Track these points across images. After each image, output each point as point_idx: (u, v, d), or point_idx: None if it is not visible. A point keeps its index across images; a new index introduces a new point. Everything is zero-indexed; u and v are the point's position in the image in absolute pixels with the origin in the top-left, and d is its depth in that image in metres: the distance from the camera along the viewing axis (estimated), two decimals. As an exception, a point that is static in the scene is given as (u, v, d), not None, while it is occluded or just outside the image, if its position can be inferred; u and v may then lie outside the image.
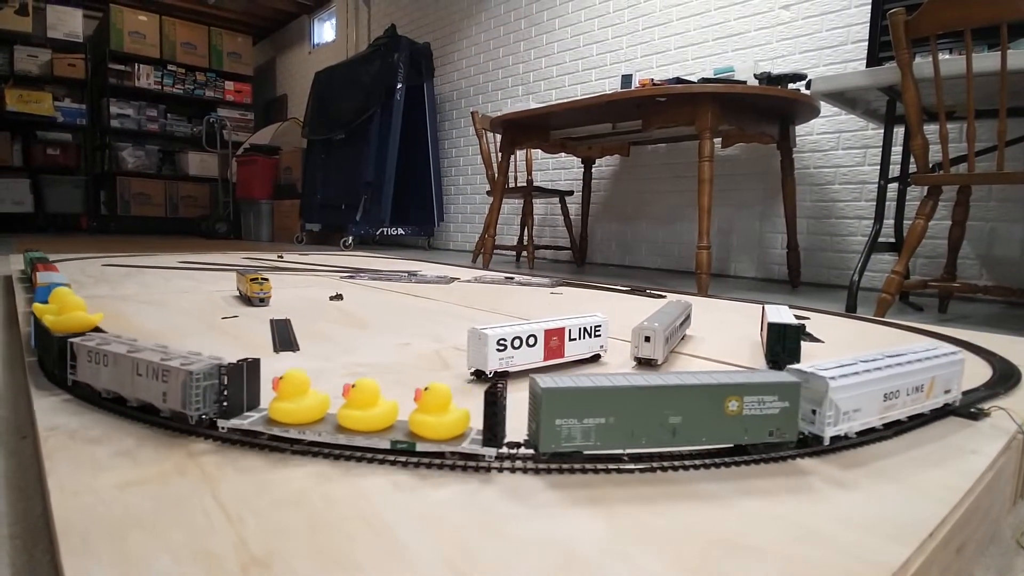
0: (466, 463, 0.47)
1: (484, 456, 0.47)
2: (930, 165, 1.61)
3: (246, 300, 1.31)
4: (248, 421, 0.51)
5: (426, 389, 0.48)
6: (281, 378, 0.50)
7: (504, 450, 0.48)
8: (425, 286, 1.75)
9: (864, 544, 0.37)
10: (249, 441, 0.50)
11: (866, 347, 1.02)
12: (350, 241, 4.42)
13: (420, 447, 0.47)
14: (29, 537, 0.43)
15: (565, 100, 2.78)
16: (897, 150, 2.23)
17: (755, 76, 2.27)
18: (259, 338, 0.95)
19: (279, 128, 6.13)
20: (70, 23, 5.84)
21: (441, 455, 0.47)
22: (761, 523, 0.39)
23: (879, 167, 1.91)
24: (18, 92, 5.58)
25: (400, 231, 4.64)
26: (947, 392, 0.61)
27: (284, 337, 0.95)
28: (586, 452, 0.47)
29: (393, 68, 4.43)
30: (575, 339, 0.78)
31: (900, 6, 1.60)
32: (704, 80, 2.26)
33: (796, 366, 0.54)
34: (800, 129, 2.74)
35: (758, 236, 2.98)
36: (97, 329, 0.74)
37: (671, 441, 0.48)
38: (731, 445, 0.50)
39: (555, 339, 0.76)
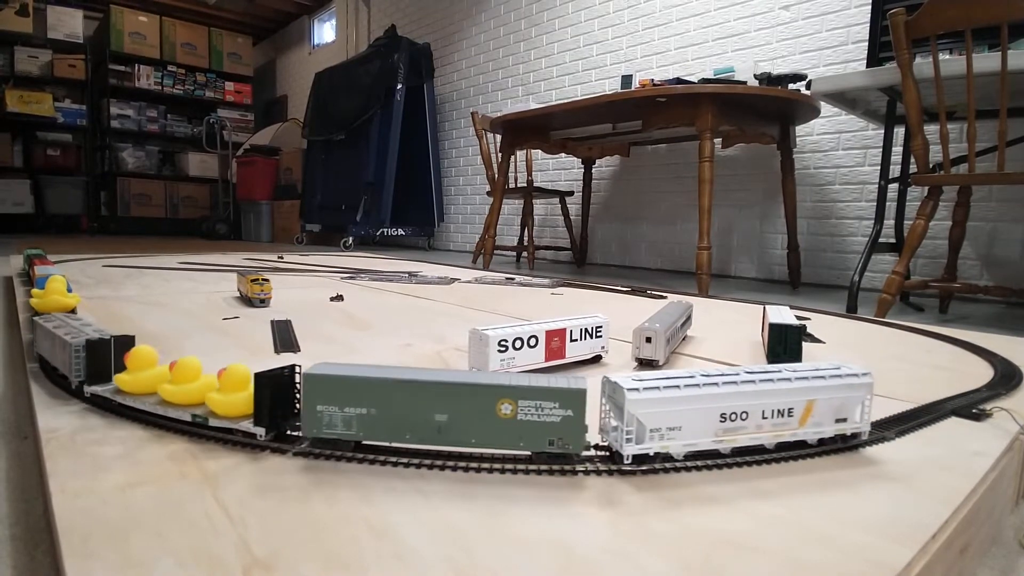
0: (245, 440, 0.50)
1: (256, 435, 0.50)
2: (930, 165, 1.61)
3: (247, 301, 1.31)
4: (103, 388, 0.59)
5: (225, 370, 0.52)
6: (129, 353, 0.59)
7: (294, 432, 0.51)
8: (426, 287, 1.75)
9: (868, 545, 0.37)
10: (104, 404, 0.59)
11: (867, 348, 1.02)
12: (350, 242, 4.42)
13: (214, 422, 0.52)
14: (30, 538, 0.43)
15: (565, 101, 2.78)
16: (897, 150, 2.23)
17: (755, 76, 2.27)
18: (260, 339, 0.94)
19: (279, 129, 6.13)
20: (70, 24, 5.84)
21: (230, 431, 0.51)
22: (764, 524, 0.39)
23: (879, 167, 1.91)
24: (18, 93, 5.58)
25: (400, 232, 4.64)
26: (840, 421, 0.51)
27: (285, 338, 0.95)
28: (358, 441, 0.48)
29: (393, 69, 4.44)
30: (576, 340, 0.78)
31: (900, 6, 1.60)
32: (704, 80, 2.26)
33: (609, 375, 0.49)
34: (800, 129, 2.74)
35: (758, 236, 2.98)
36: (73, 311, 0.85)
37: (437, 439, 0.47)
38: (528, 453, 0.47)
39: (556, 340, 0.76)
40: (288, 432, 0.51)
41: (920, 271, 2.42)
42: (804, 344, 1.00)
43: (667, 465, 0.48)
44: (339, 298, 1.43)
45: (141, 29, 6.12)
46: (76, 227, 6.19)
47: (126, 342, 0.62)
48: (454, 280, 1.94)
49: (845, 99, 1.97)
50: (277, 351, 0.86)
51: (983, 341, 1.08)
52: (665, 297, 1.67)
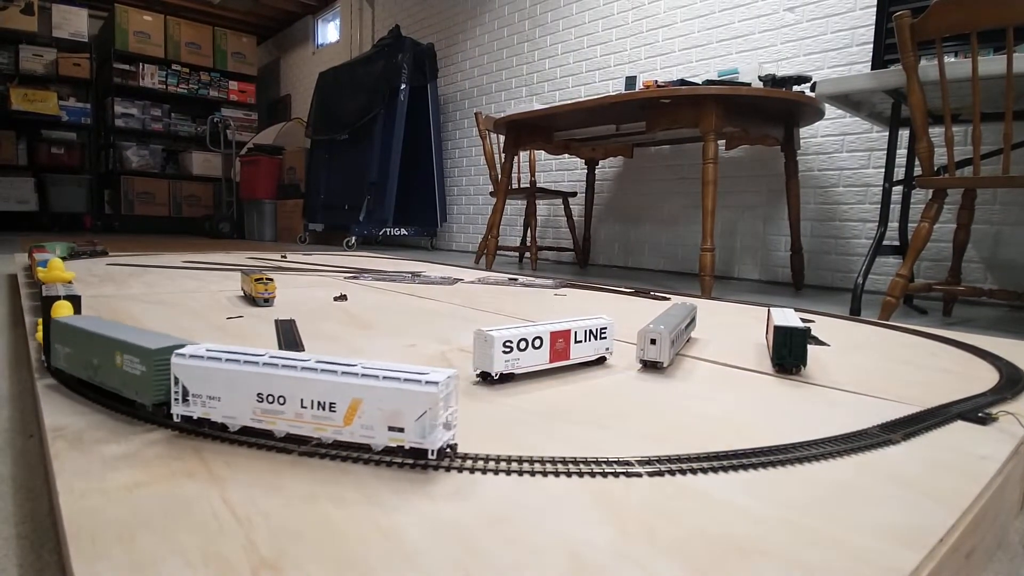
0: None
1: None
2: (935, 168, 1.60)
3: (251, 300, 1.31)
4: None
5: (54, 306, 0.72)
6: (53, 306, 0.76)
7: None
8: (429, 287, 1.75)
9: (875, 549, 0.37)
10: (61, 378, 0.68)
11: (871, 351, 1.02)
12: (353, 241, 4.42)
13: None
14: (36, 537, 0.43)
15: (569, 101, 2.78)
16: (902, 153, 2.23)
17: (759, 78, 2.27)
18: (264, 338, 0.95)
19: (283, 128, 6.14)
20: (75, 23, 5.86)
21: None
22: (772, 527, 0.39)
23: (884, 170, 1.90)
24: (23, 91, 5.60)
25: (403, 231, 4.64)
26: (395, 429, 0.45)
27: (289, 338, 0.95)
28: (76, 377, 0.61)
29: (397, 69, 4.44)
30: (581, 341, 0.78)
31: (906, 8, 1.60)
32: (708, 82, 2.25)
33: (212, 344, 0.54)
34: (804, 131, 2.73)
35: (762, 238, 2.97)
36: (70, 283, 1.06)
37: (95, 378, 0.58)
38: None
39: (561, 341, 0.76)
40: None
41: (924, 274, 2.41)
42: (809, 347, 1.00)
43: (220, 434, 0.51)
44: (343, 298, 1.43)
45: (146, 28, 6.13)
46: (80, 225, 6.20)
47: (73, 300, 0.83)
48: (457, 280, 1.94)
49: (850, 101, 1.96)
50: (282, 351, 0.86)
51: (988, 345, 1.08)
52: (668, 299, 1.67)
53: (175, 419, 0.51)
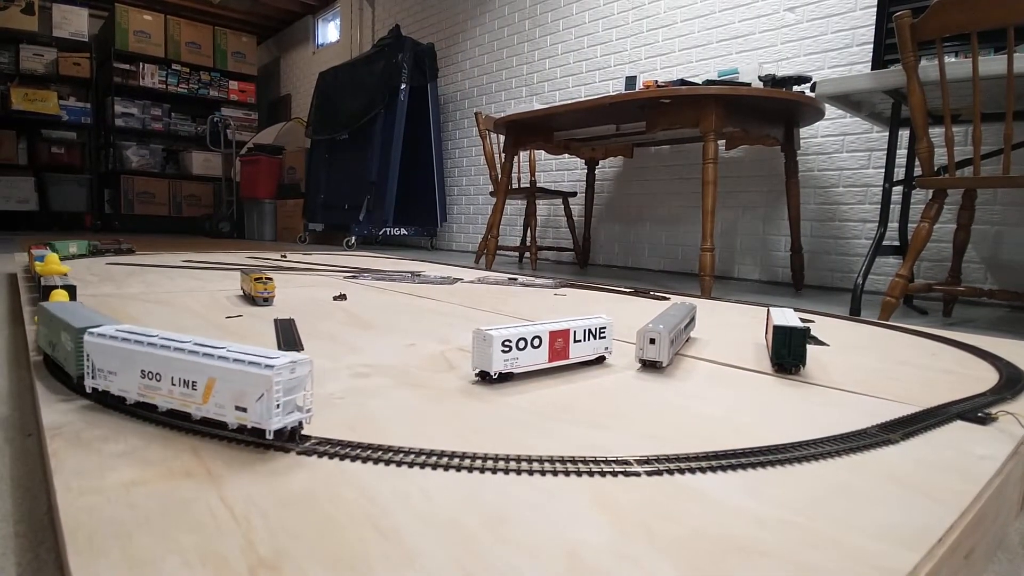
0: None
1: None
2: (935, 168, 1.60)
3: (250, 300, 1.31)
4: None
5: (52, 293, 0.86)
6: (51, 293, 0.89)
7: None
8: (429, 287, 1.75)
9: (874, 549, 0.37)
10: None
11: (871, 351, 1.01)
12: (353, 241, 4.42)
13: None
14: (34, 536, 0.43)
15: (569, 101, 2.78)
16: (902, 153, 2.23)
17: (760, 78, 2.27)
18: (263, 338, 0.94)
19: (283, 128, 6.15)
20: (76, 22, 5.86)
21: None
22: (771, 527, 0.39)
23: (884, 170, 1.90)
24: (23, 91, 5.60)
25: (403, 231, 4.64)
26: (240, 409, 0.47)
27: (288, 337, 0.95)
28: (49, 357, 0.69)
29: (397, 68, 4.44)
30: (580, 340, 0.78)
31: (906, 8, 1.60)
32: (708, 82, 2.25)
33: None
34: (804, 132, 2.73)
35: (762, 238, 2.97)
36: (64, 275, 1.17)
37: (53, 354, 0.66)
38: None
39: (560, 341, 0.76)
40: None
41: (924, 274, 2.41)
42: (808, 346, 0.99)
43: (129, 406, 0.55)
44: (342, 297, 1.43)
45: (146, 28, 6.13)
46: (80, 224, 6.20)
47: (69, 289, 0.89)
48: (457, 280, 1.94)
49: (850, 101, 1.96)
50: (280, 350, 0.86)
51: (988, 345, 1.08)
52: (668, 299, 1.67)
53: (87, 391, 0.57)
